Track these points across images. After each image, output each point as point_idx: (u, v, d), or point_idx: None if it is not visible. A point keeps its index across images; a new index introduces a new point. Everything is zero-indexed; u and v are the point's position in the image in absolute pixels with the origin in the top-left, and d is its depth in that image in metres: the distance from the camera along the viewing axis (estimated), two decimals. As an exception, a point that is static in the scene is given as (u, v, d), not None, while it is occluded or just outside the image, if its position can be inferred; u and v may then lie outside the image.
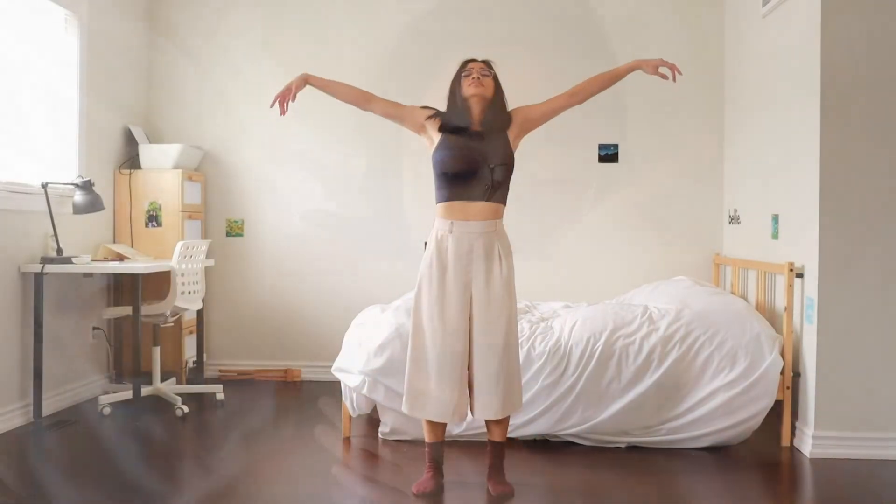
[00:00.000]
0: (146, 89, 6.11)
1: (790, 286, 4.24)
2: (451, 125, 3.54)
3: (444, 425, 3.57)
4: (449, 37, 5.91)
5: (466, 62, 3.63)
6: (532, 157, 5.86)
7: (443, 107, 3.64)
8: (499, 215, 3.55)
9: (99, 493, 3.46)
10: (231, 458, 4.02)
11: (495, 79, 3.62)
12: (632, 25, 5.80)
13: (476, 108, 3.56)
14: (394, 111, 3.75)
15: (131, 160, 5.80)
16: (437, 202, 3.55)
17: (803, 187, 4.21)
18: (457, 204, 3.48)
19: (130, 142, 5.84)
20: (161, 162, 5.65)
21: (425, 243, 3.62)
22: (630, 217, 5.82)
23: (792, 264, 4.23)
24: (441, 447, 3.59)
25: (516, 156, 3.63)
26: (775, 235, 4.64)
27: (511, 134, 3.61)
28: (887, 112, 3.98)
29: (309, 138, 6.00)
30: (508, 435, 4.22)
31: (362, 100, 3.79)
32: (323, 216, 6.00)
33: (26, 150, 4.83)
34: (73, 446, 4.20)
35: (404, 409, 3.50)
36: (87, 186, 4.91)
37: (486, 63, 3.63)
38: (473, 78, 3.54)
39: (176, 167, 5.65)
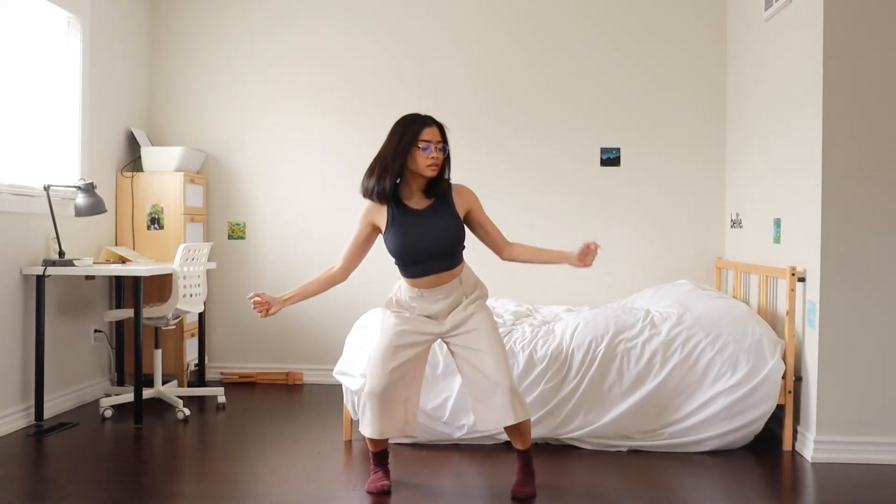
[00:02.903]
0: (148, 92, 6.12)
1: (792, 290, 4.23)
2: (395, 203, 3.44)
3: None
4: (454, 43, 5.92)
5: (419, 126, 3.36)
6: (534, 160, 5.88)
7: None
8: (459, 272, 3.52)
9: (100, 496, 3.46)
10: (232, 461, 4.02)
11: (447, 144, 3.43)
12: (633, 30, 5.80)
13: (422, 184, 3.43)
14: (361, 243, 3.57)
15: (133, 163, 5.81)
16: (402, 276, 3.56)
17: (805, 191, 4.20)
18: (420, 280, 3.47)
19: (133, 144, 5.85)
20: (163, 164, 5.65)
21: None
22: (632, 220, 5.83)
23: (794, 268, 4.22)
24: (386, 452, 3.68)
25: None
26: (777, 239, 4.64)
27: (458, 207, 3.48)
28: (890, 116, 3.98)
29: (311, 141, 6.01)
30: (510, 439, 4.24)
31: (339, 275, 3.61)
32: (325, 219, 6.00)
33: (29, 153, 4.84)
34: (74, 449, 4.20)
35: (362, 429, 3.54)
36: (89, 189, 4.91)
37: (442, 129, 3.42)
38: (433, 156, 3.34)
39: (178, 170, 5.65)
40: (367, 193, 3.42)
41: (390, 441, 4.28)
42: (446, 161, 3.44)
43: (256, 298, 3.46)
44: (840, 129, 4.00)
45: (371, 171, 3.41)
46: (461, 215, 3.47)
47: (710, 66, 5.77)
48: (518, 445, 3.53)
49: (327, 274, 3.59)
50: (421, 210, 3.42)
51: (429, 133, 3.35)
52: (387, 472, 3.61)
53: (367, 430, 3.48)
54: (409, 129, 3.35)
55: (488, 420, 3.44)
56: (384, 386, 3.43)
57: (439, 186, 3.43)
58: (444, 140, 3.40)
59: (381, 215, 3.45)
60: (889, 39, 3.97)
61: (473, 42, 5.91)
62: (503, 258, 3.59)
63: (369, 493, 3.52)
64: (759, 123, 5.01)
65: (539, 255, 3.57)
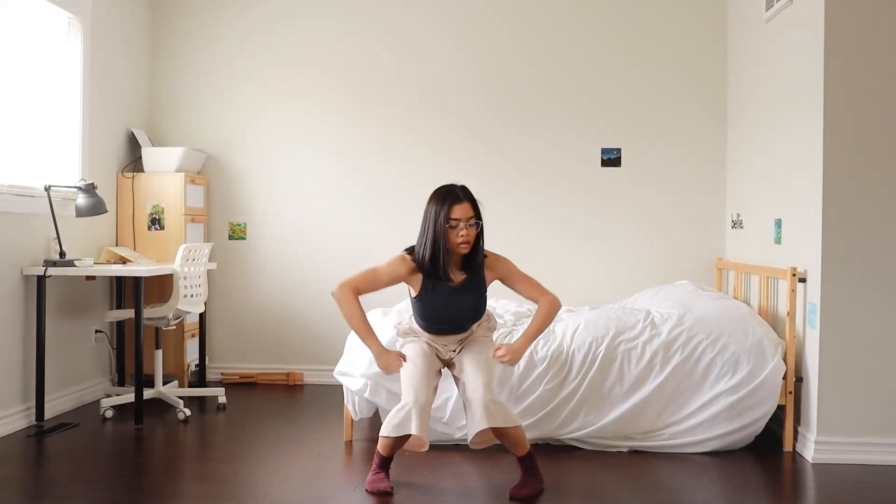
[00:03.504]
0: (149, 92, 6.12)
1: (793, 291, 4.23)
2: (435, 278, 3.53)
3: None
4: (455, 43, 5.92)
5: (450, 205, 3.46)
6: (534, 160, 5.88)
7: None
8: (475, 327, 3.70)
9: (101, 497, 3.46)
10: (233, 461, 4.02)
11: (480, 220, 3.51)
12: (633, 30, 5.80)
13: (459, 259, 3.54)
14: (378, 285, 3.59)
15: (134, 163, 5.81)
16: (415, 322, 3.69)
17: (806, 192, 4.20)
18: (436, 336, 3.66)
19: (133, 145, 5.85)
20: (164, 165, 5.66)
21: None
22: (632, 221, 5.82)
23: (795, 269, 4.22)
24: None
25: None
26: (778, 240, 4.64)
27: (488, 279, 3.62)
28: (890, 116, 3.98)
29: (311, 142, 6.01)
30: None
31: (354, 300, 3.59)
32: (325, 219, 6.00)
33: (29, 153, 4.84)
34: (74, 449, 4.20)
35: (391, 432, 3.47)
36: (89, 189, 4.91)
37: (474, 205, 3.51)
38: (462, 233, 3.44)
39: (179, 170, 5.65)
40: (420, 267, 3.52)
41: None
42: (480, 235, 3.53)
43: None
44: (841, 130, 4.00)
45: (422, 245, 3.50)
46: (489, 284, 3.61)
47: (710, 66, 5.77)
48: (516, 452, 3.56)
49: (357, 301, 3.58)
50: (454, 286, 3.54)
51: (458, 210, 3.45)
52: (388, 475, 3.61)
53: (415, 430, 3.41)
54: (442, 209, 3.46)
55: (469, 428, 3.48)
56: (429, 400, 3.51)
57: (474, 261, 3.55)
58: (477, 215, 3.50)
59: (418, 281, 3.56)
60: (889, 40, 3.97)
61: (473, 42, 5.91)
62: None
63: (369, 492, 3.52)
64: (760, 124, 5.01)
65: (535, 320, 3.68)
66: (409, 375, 3.51)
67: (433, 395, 3.56)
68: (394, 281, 3.57)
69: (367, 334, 3.56)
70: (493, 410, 3.41)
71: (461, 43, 5.92)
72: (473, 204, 3.50)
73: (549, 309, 3.62)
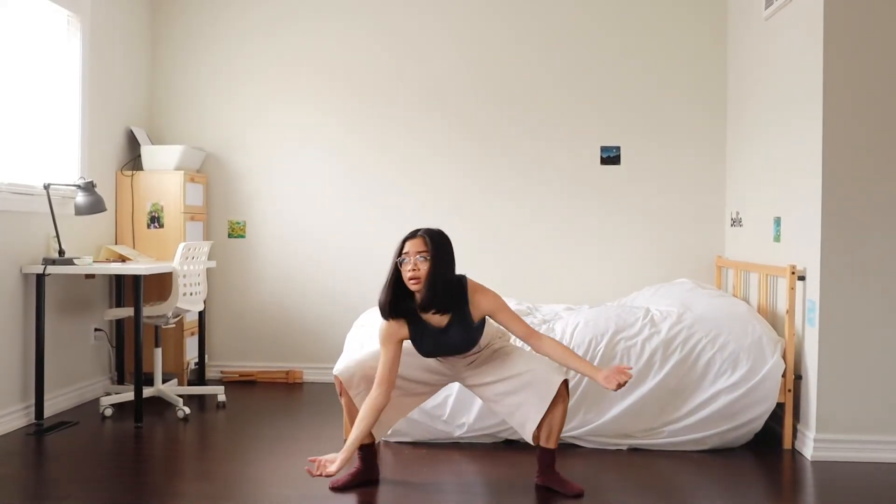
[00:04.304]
0: (149, 90, 6.12)
1: (792, 289, 4.23)
2: (415, 322, 3.46)
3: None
4: (454, 43, 5.92)
5: (403, 241, 3.40)
6: (534, 158, 5.88)
7: None
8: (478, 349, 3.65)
9: (100, 496, 3.46)
10: (232, 459, 4.02)
11: (435, 255, 3.35)
12: (633, 28, 5.80)
13: (423, 298, 3.38)
14: (392, 362, 3.47)
15: (133, 161, 5.81)
16: None
17: (805, 190, 4.21)
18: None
19: (132, 143, 5.85)
20: (163, 163, 5.65)
21: None
22: (632, 219, 5.83)
23: (794, 267, 4.23)
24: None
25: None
26: (777, 238, 4.64)
27: (475, 317, 3.45)
28: (889, 115, 3.98)
29: (311, 141, 6.01)
30: (510, 437, 4.24)
31: (383, 399, 3.46)
32: (325, 218, 6.01)
33: (29, 152, 4.84)
34: (74, 448, 4.20)
35: (336, 370, 3.59)
36: (89, 188, 4.91)
37: (431, 241, 3.37)
38: (410, 268, 3.34)
39: (178, 168, 5.65)
40: (382, 311, 3.44)
41: (390, 439, 4.29)
42: (439, 269, 3.35)
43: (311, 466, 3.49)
44: (840, 128, 4.00)
45: (382, 291, 3.45)
46: (478, 319, 3.46)
47: (710, 64, 5.77)
48: (550, 444, 3.52)
49: (372, 405, 3.43)
50: (439, 329, 3.45)
51: (409, 245, 3.37)
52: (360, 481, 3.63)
53: (337, 371, 3.56)
54: (398, 248, 3.40)
55: (534, 403, 3.45)
56: (382, 374, 3.48)
57: (435, 302, 3.35)
58: (429, 249, 3.34)
59: (404, 330, 3.47)
60: (889, 38, 3.97)
61: (473, 41, 5.91)
62: (534, 350, 3.54)
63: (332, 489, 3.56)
64: (760, 122, 5.01)
65: (570, 362, 3.44)
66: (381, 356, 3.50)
67: (386, 379, 3.44)
68: (394, 348, 3.45)
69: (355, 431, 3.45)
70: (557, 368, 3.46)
71: (461, 42, 5.92)
72: (430, 240, 3.36)
73: (558, 346, 3.47)
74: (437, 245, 3.37)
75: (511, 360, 3.56)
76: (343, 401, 3.66)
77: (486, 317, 3.48)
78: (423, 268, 3.33)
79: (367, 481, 3.63)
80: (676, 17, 5.79)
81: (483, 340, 3.56)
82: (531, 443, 3.56)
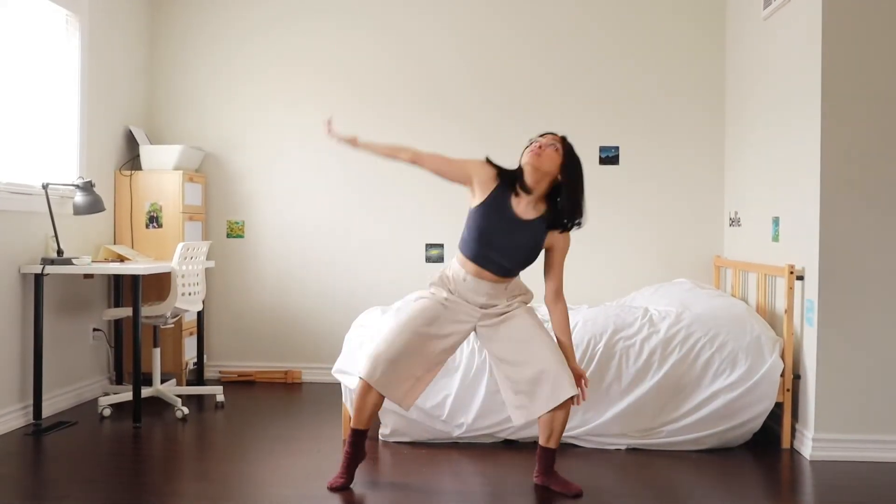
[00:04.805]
0: (147, 90, 6.12)
1: (790, 289, 4.24)
2: (506, 191, 3.49)
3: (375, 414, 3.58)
4: (454, 43, 5.92)
5: (543, 134, 3.53)
6: (533, 159, 5.87)
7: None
8: (508, 282, 3.59)
9: (99, 496, 3.46)
10: (231, 459, 4.02)
11: (566, 155, 3.46)
12: (632, 28, 5.80)
13: (535, 199, 3.48)
14: (444, 170, 3.61)
15: (132, 161, 5.81)
16: (460, 250, 3.58)
17: (804, 190, 4.21)
18: (471, 265, 3.53)
19: (131, 143, 5.84)
20: (162, 163, 5.65)
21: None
22: (631, 219, 5.83)
23: (792, 267, 4.23)
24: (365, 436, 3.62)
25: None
26: (776, 238, 4.64)
27: (547, 240, 3.54)
28: (888, 115, 3.98)
29: (310, 140, 6.00)
30: (509, 437, 4.24)
31: (404, 158, 3.66)
32: (324, 218, 6.01)
33: (27, 151, 4.84)
34: (72, 448, 4.20)
35: (362, 372, 3.51)
36: (87, 187, 4.91)
37: (564, 140, 3.50)
38: (537, 144, 3.45)
39: (177, 168, 5.65)
40: (498, 174, 3.52)
41: (389, 439, 4.29)
42: (567, 173, 3.44)
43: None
44: (838, 128, 4.00)
45: None
46: (546, 245, 3.53)
47: (709, 64, 5.77)
48: (552, 444, 3.51)
49: (398, 146, 3.68)
50: (519, 218, 3.46)
51: (548, 136, 3.48)
52: (350, 470, 3.59)
53: (369, 375, 3.46)
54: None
55: (536, 402, 3.43)
56: (397, 357, 3.47)
57: (548, 214, 3.47)
58: (563, 151, 3.45)
59: (486, 189, 3.50)
60: (887, 39, 3.98)
61: (472, 41, 5.91)
62: (546, 302, 3.61)
63: (330, 489, 3.54)
64: (758, 122, 5.01)
65: (561, 339, 3.56)
66: (396, 328, 3.50)
67: (415, 366, 3.49)
68: (460, 175, 3.54)
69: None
70: (569, 379, 3.42)
71: (460, 42, 5.92)
72: (566, 148, 3.47)
73: (565, 322, 3.55)
74: (571, 155, 3.47)
75: (531, 348, 3.46)
76: (357, 403, 3.54)
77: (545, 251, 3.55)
78: (548, 155, 3.41)
79: (356, 465, 3.61)
80: (675, 17, 5.79)
81: (512, 286, 3.58)
82: (514, 422, 3.56)
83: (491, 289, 3.53)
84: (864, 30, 3.98)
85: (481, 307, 3.56)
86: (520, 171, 3.48)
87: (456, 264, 3.59)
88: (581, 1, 5.84)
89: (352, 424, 3.58)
